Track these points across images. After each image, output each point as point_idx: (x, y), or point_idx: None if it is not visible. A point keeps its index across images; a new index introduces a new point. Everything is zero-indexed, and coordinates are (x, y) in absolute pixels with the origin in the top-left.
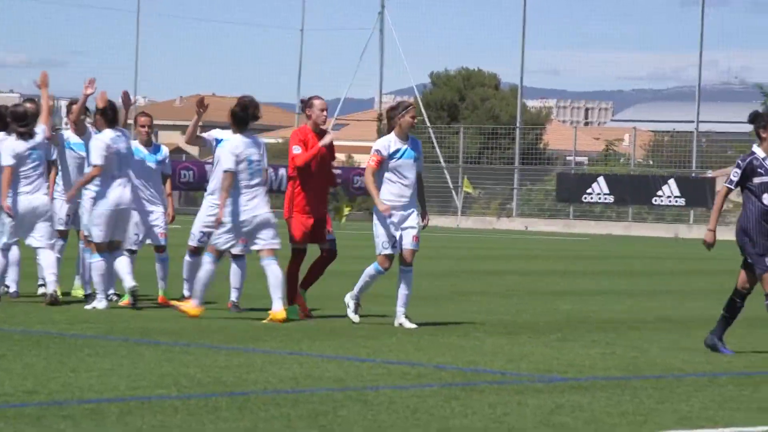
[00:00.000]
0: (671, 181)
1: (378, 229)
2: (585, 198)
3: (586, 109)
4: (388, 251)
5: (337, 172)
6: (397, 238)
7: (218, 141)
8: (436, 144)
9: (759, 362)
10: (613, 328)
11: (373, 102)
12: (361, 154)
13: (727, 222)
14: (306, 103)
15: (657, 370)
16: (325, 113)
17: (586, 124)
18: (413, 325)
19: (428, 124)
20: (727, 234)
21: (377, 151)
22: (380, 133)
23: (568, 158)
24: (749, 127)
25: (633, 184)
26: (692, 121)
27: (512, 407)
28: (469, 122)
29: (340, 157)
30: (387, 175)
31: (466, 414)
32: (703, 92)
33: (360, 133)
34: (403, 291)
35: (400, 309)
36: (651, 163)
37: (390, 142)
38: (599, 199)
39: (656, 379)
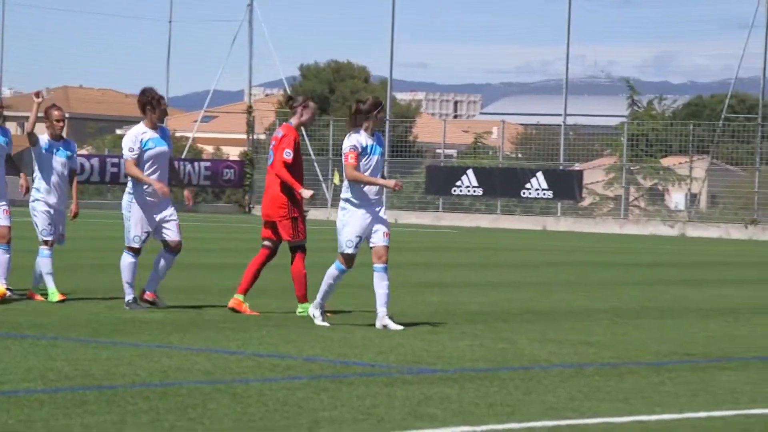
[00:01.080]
0: (539, 174)
1: (346, 227)
2: (454, 190)
3: (455, 102)
4: (351, 251)
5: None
6: (364, 237)
7: (44, 146)
8: (306, 137)
9: (625, 353)
10: (482, 319)
11: (242, 94)
12: (230, 146)
13: (593, 216)
14: (301, 103)
15: (524, 361)
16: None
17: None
18: (399, 327)
19: None
20: (593, 227)
21: (353, 147)
22: (249, 126)
23: (437, 151)
24: (615, 120)
25: (501, 177)
26: (560, 114)
27: (381, 399)
28: (339, 115)
29: (208, 149)
30: None
31: (336, 406)
32: (570, 86)
33: (229, 126)
34: (381, 290)
35: (381, 310)
36: (519, 155)
37: (362, 137)
38: (468, 191)
39: (524, 370)
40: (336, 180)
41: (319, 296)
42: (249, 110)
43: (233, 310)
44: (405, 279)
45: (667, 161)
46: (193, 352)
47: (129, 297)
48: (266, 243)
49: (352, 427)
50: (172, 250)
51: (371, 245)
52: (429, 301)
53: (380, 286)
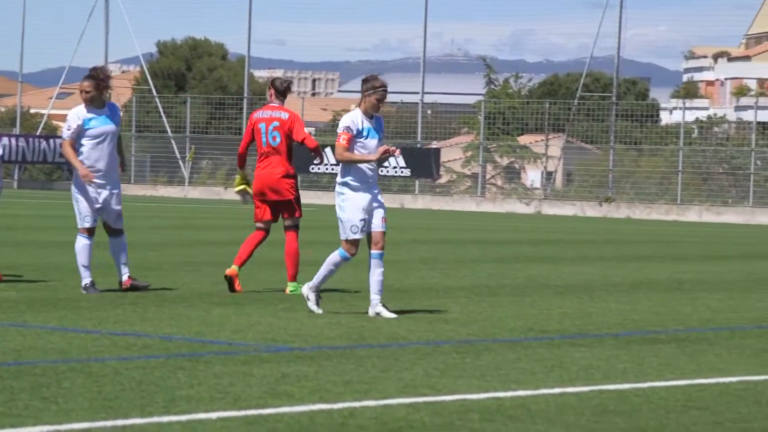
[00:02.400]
0: (397, 152)
1: (347, 212)
2: (313, 168)
3: (314, 80)
4: (358, 236)
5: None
6: (368, 219)
7: None
8: (163, 114)
9: (481, 330)
10: (339, 297)
11: None
12: None
13: (451, 193)
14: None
15: (382, 338)
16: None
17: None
18: (392, 315)
19: (155, 93)
20: (450, 205)
21: (347, 128)
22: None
23: None
24: (472, 99)
25: None
26: (417, 93)
27: (238, 377)
28: (197, 92)
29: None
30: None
31: (192, 385)
32: (427, 64)
33: None
34: (376, 277)
35: (375, 297)
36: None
37: (358, 118)
38: (327, 169)
39: (381, 347)
40: (190, 156)
41: (316, 279)
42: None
43: (229, 279)
44: (261, 257)
45: (523, 139)
46: (48, 330)
47: (85, 281)
48: (261, 225)
49: (209, 405)
50: (114, 233)
51: (369, 230)
52: (285, 278)
53: (375, 273)
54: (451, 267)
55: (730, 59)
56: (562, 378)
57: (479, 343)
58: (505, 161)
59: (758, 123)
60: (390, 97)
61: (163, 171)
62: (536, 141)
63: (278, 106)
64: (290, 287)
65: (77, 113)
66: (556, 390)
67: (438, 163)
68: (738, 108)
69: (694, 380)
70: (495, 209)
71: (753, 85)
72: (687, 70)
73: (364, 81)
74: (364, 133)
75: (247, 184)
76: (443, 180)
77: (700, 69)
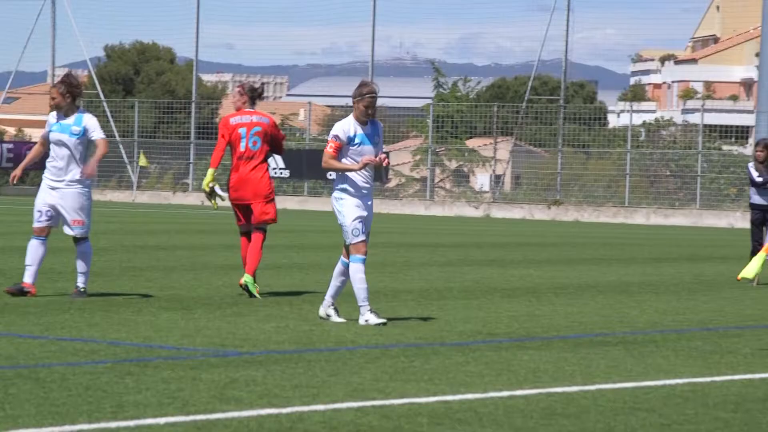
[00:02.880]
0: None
1: (346, 217)
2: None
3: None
4: (361, 237)
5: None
6: (363, 223)
7: None
8: (111, 118)
9: (429, 334)
10: (287, 301)
11: (45, 75)
12: (33, 128)
13: (400, 197)
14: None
15: (330, 342)
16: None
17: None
18: (383, 320)
19: (102, 98)
20: (399, 208)
21: (335, 136)
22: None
23: None
24: (421, 102)
25: (309, 159)
26: None
27: (186, 382)
28: (145, 96)
29: (11, 131)
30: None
31: (140, 390)
32: (376, 67)
33: (32, 107)
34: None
35: (363, 305)
36: (326, 137)
37: (349, 126)
38: (275, 173)
39: (329, 351)
40: (141, 161)
41: (328, 294)
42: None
43: (246, 288)
44: (208, 261)
45: (472, 143)
46: None
47: (25, 280)
48: (244, 229)
49: (157, 411)
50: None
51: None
52: (235, 283)
53: (356, 279)
54: (399, 270)
55: (677, 62)
56: (510, 381)
57: (428, 347)
58: (453, 165)
59: (705, 126)
60: (338, 101)
61: (112, 176)
62: (485, 144)
63: (255, 111)
64: (246, 278)
65: (50, 116)
66: (505, 393)
67: (387, 167)
68: (685, 111)
69: (642, 382)
70: (444, 212)
71: (699, 87)
72: (634, 73)
73: (357, 87)
74: (357, 141)
75: (216, 184)
76: (392, 184)
77: (647, 72)
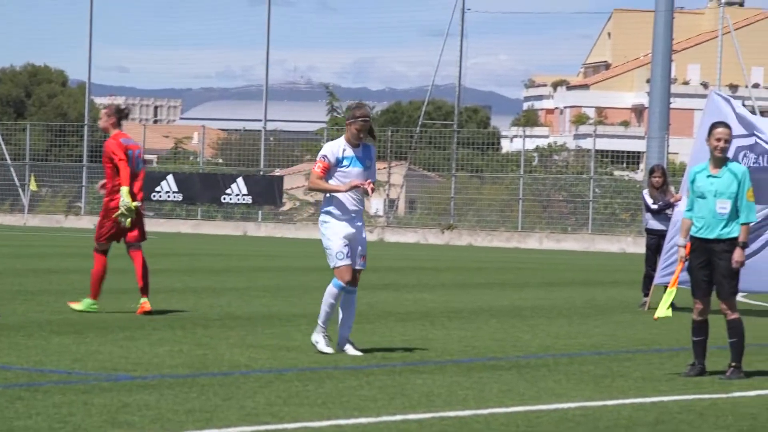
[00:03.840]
0: (240, 180)
1: (331, 240)
2: (154, 196)
3: (156, 107)
4: (345, 261)
5: None
6: (352, 245)
7: None
8: (2, 141)
9: (323, 358)
10: (181, 325)
11: None
12: None
13: (294, 221)
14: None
15: (224, 367)
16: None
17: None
18: (358, 352)
19: None
20: (293, 232)
21: (323, 156)
22: None
23: None
24: (315, 126)
25: (202, 183)
26: (260, 120)
27: (78, 407)
28: (36, 119)
29: None
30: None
31: (30, 415)
32: (270, 91)
33: None
34: (346, 315)
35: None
36: (220, 161)
37: (339, 147)
38: (168, 197)
39: (223, 376)
40: (32, 186)
41: (320, 320)
42: None
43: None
44: (105, 286)
45: None
46: None
47: None
48: (106, 247)
49: None
50: None
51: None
52: (128, 307)
53: (347, 310)
54: (293, 294)
55: (569, 88)
56: (404, 405)
57: (322, 371)
58: None
59: (597, 151)
60: (232, 125)
61: (5, 199)
62: (379, 169)
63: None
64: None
65: None
66: (398, 417)
67: (281, 191)
68: (577, 136)
69: (534, 406)
70: None
71: (591, 113)
72: (527, 99)
73: (348, 108)
74: (345, 162)
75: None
76: (286, 207)
77: (539, 97)
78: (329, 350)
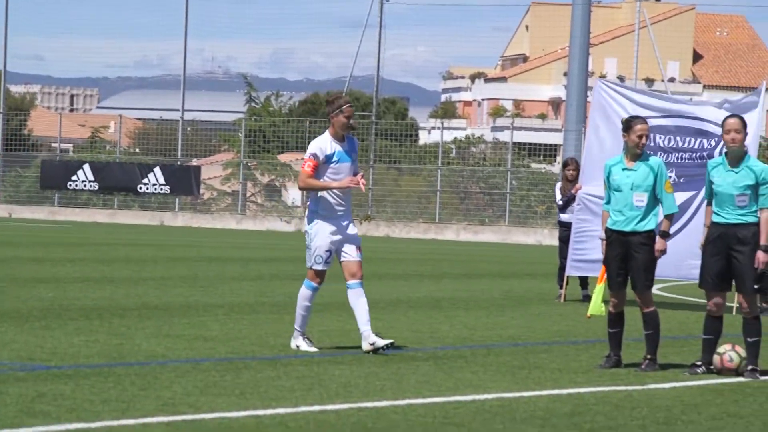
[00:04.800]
0: (157, 169)
1: (317, 240)
2: (70, 185)
3: (72, 96)
4: (321, 267)
5: None
6: (334, 251)
7: None
8: None
9: (241, 348)
10: (98, 315)
11: None
12: None
13: (211, 211)
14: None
15: (141, 357)
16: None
17: (72, 110)
18: (388, 341)
19: None
20: (210, 222)
21: (313, 155)
22: None
23: (53, 145)
24: (233, 116)
25: (119, 172)
26: (177, 110)
27: None
28: None
29: None
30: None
31: None
32: (188, 81)
33: None
34: (361, 308)
35: (365, 328)
36: (137, 150)
37: (326, 143)
38: (85, 186)
39: (140, 366)
40: None
41: (297, 324)
42: None
43: None
44: (17, 274)
45: (284, 157)
46: None
47: None
48: None
49: None
50: None
51: (342, 260)
52: (43, 296)
53: (358, 303)
54: (210, 284)
55: (487, 80)
56: (322, 396)
57: (239, 361)
58: (265, 179)
59: (514, 143)
60: (150, 114)
61: None
62: (297, 159)
63: None
64: None
65: None
66: (315, 407)
67: (198, 181)
68: (494, 128)
69: (452, 397)
70: (255, 227)
71: (509, 105)
72: (445, 91)
73: (329, 103)
74: (335, 158)
75: None
76: (203, 197)
77: (457, 89)
78: (314, 348)
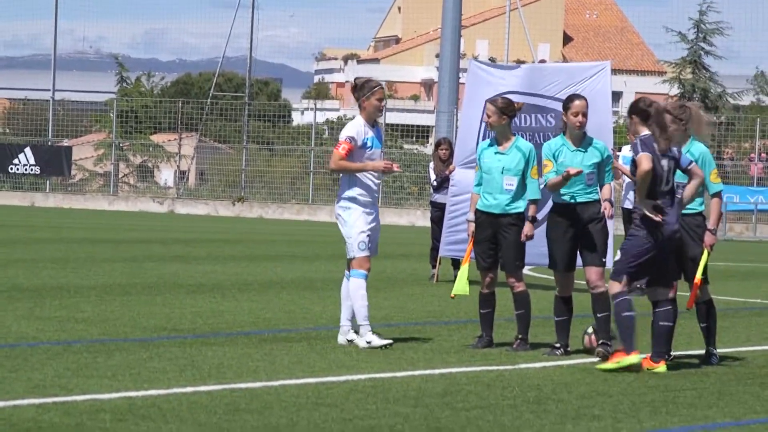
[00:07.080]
0: (27, 150)
1: (352, 228)
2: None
3: None
4: (366, 252)
5: None
6: (371, 237)
7: None
8: None
9: (113, 329)
10: None
11: None
12: None
13: (83, 192)
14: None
15: (11, 338)
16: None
17: None
18: (388, 341)
19: None
20: (82, 203)
21: (350, 138)
22: None
23: None
24: (104, 96)
25: None
26: (48, 90)
27: None
28: None
29: None
30: None
31: None
32: (59, 61)
33: None
34: (360, 302)
35: (364, 324)
36: (7, 131)
37: (362, 128)
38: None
39: (10, 348)
40: None
41: (359, 319)
42: None
43: None
44: None
45: (156, 138)
46: None
47: None
48: None
49: None
50: None
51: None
52: None
53: (356, 297)
54: (82, 266)
55: (360, 61)
56: (195, 377)
57: (111, 343)
58: (138, 160)
59: (387, 124)
60: (20, 94)
61: None
62: (169, 140)
63: None
64: None
65: None
66: (188, 389)
67: (69, 162)
68: None
69: (325, 378)
70: (128, 208)
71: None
72: (318, 72)
73: (359, 88)
74: (369, 144)
75: None
76: (75, 178)
77: (330, 71)
78: (388, 340)
